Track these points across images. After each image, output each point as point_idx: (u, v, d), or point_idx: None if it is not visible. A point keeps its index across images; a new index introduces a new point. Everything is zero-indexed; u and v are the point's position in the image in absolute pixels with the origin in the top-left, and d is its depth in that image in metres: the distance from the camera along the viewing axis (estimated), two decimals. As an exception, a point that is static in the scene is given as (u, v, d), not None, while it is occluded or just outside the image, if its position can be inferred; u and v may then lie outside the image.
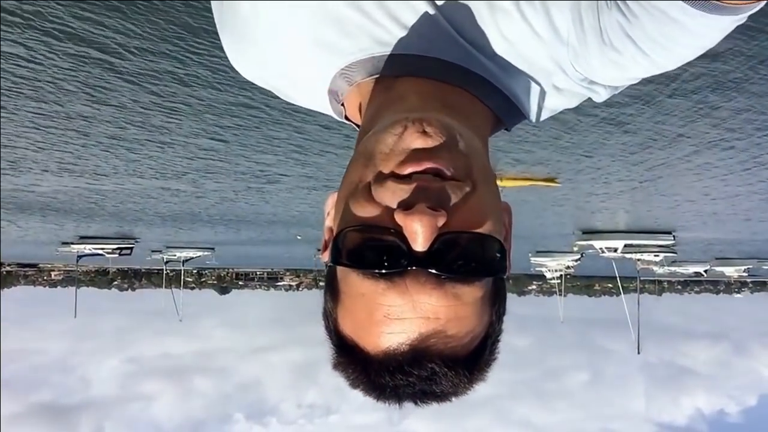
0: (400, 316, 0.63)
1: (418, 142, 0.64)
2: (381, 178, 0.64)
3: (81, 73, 5.71)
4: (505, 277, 0.70)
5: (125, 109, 6.83)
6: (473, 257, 0.63)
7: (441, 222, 0.60)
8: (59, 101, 6.57)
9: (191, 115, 7.08)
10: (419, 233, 0.59)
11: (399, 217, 0.60)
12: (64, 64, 5.50)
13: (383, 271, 0.62)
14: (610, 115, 6.94)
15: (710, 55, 5.18)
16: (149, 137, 8.05)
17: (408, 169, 0.63)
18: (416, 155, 0.64)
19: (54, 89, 6.20)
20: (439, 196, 0.62)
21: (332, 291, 0.70)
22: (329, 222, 0.75)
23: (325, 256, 0.71)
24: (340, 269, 0.67)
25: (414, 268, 0.61)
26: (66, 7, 4.52)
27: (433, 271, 0.61)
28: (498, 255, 0.64)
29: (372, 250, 0.62)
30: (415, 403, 0.68)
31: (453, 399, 0.68)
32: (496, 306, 0.69)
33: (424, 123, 0.65)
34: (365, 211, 0.64)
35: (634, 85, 0.74)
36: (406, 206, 0.61)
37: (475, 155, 0.68)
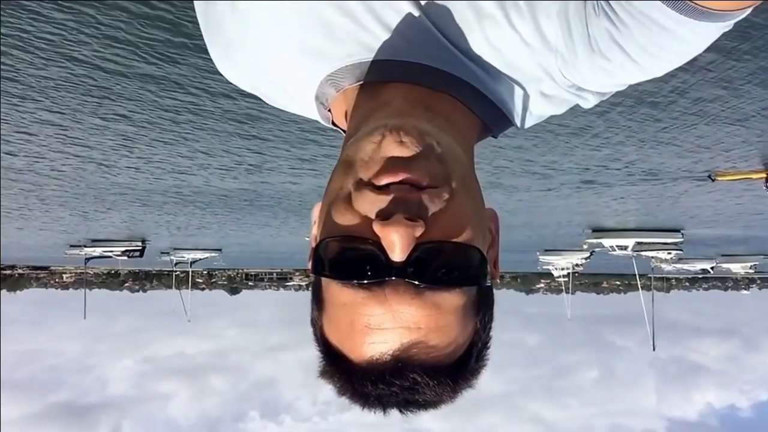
0: (381, 326, 0.63)
1: (395, 151, 0.64)
2: (360, 186, 0.64)
3: (85, 75, 5.65)
4: (490, 284, 0.70)
5: (134, 112, 6.76)
6: (452, 266, 0.63)
7: (419, 232, 0.60)
8: (64, 104, 6.48)
9: (199, 118, 7.05)
10: (396, 243, 0.60)
11: (377, 228, 0.60)
12: (70, 63, 5.42)
13: (363, 281, 0.62)
14: (629, 115, 7.02)
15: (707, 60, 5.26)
16: (156, 139, 7.99)
17: (384, 180, 0.63)
18: (393, 166, 0.64)
19: (56, 93, 6.11)
20: (417, 206, 0.62)
21: (317, 300, 0.70)
22: (315, 231, 0.75)
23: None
24: (323, 278, 0.68)
25: (393, 278, 0.61)
26: (70, 8, 4.52)
27: (412, 281, 0.62)
28: (478, 264, 0.65)
29: (351, 260, 0.63)
30: (400, 412, 0.68)
31: (438, 407, 0.69)
32: (481, 314, 0.69)
33: (401, 132, 0.65)
34: (345, 219, 0.64)
35: (641, 84, 0.75)
36: (384, 216, 0.61)
37: (454, 162, 0.68)
